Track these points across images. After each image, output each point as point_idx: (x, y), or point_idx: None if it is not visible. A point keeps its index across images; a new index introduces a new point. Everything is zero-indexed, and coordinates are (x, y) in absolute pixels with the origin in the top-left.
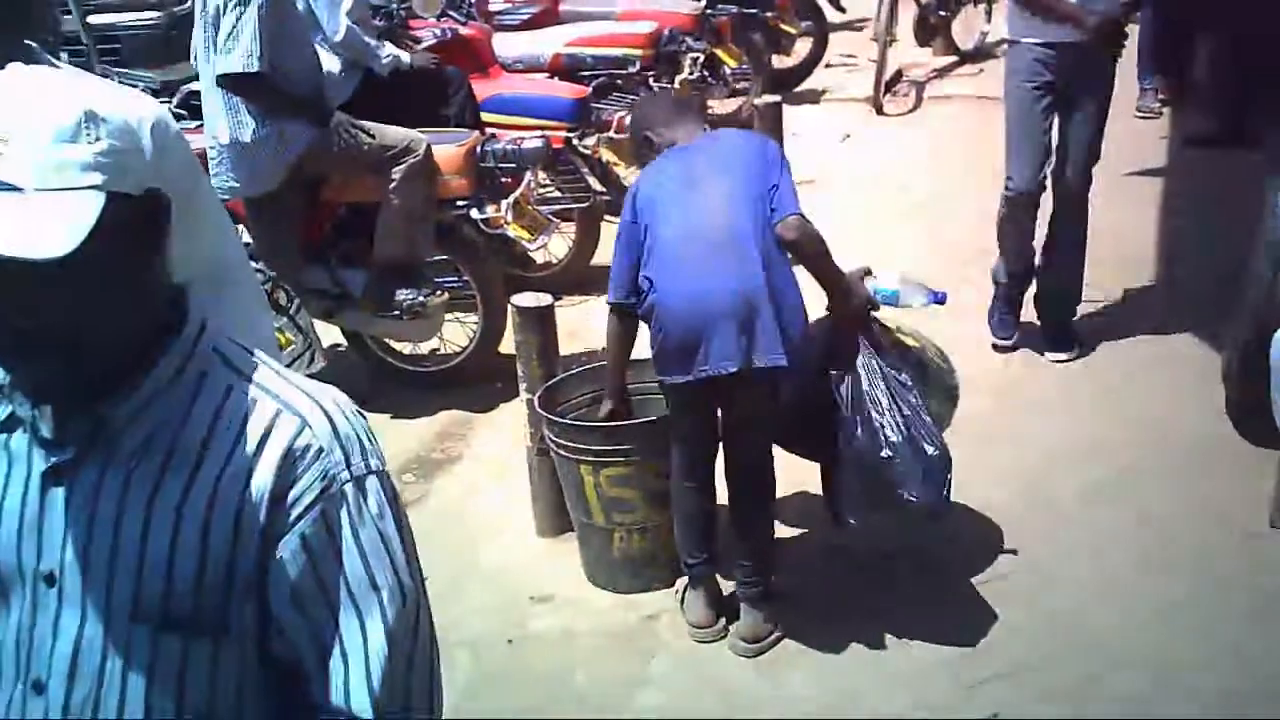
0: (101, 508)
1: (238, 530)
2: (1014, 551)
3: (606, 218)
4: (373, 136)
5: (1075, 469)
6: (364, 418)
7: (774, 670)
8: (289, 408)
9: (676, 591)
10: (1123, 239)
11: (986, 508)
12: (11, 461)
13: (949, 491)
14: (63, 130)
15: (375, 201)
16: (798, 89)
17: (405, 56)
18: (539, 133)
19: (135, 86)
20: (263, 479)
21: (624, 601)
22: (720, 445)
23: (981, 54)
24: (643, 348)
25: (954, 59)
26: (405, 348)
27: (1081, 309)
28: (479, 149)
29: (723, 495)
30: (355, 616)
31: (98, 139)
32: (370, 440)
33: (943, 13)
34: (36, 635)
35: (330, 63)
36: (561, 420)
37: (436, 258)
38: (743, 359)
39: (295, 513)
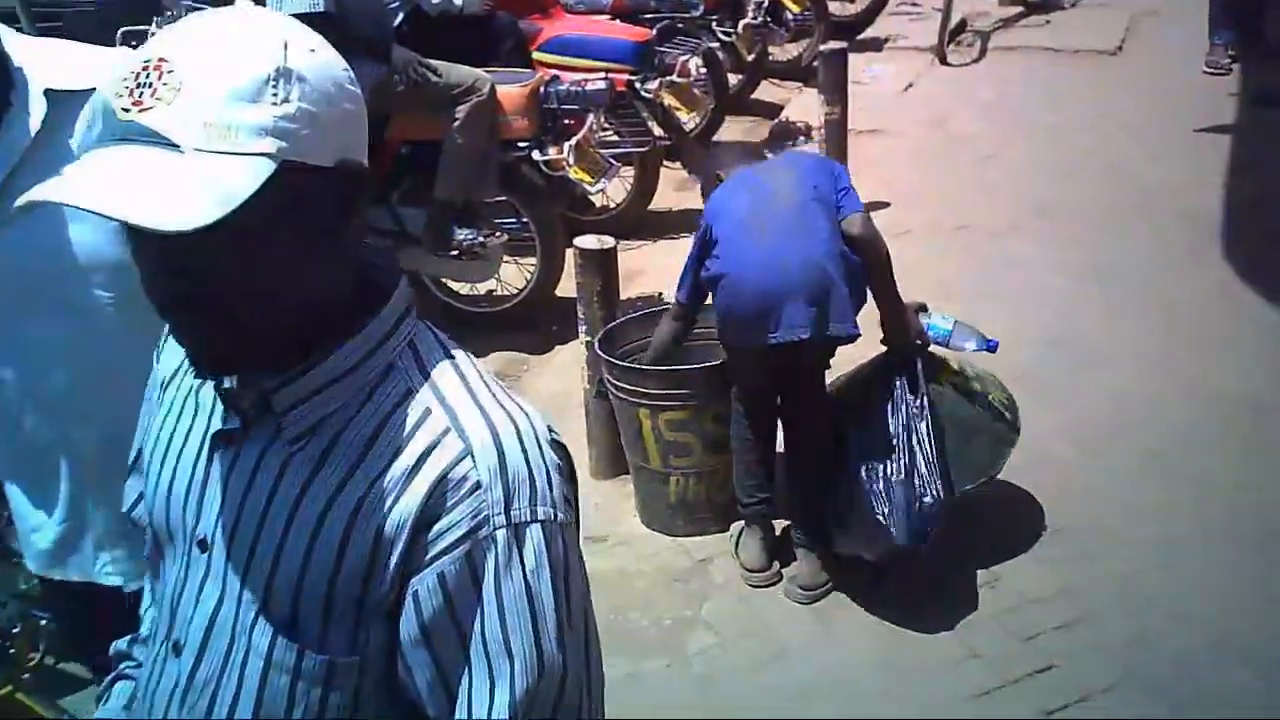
0: (256, 487)
1: (376, 549)
2: (1072, 508)
3: (666, 163)
4: (439, 75)
5: (1135, 429)
6: (560, 455)
7: (826, 616)
8: (459, 429)
9: (731, 536)
10: (1185, 196)
11: (1045, 462)
12: (197, 412)
13: (927, 541)
14: (241, 89)
15: (438, 140)
16: (861, 36)
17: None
18: (602, 75)
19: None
20: (410, 503)
21: (678, 545)
22: (780, 397)
23: (1049, 5)
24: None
25: (1020, 9)
26: (463, 288)
27: (1140, 264)
28: (542, 90)
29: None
30: (486, 676)
31: (284, 100)
32: (550, 485)
33: None
34: (184, 597)
35: None
36: (622, 363)
37: (496, 199)
38: (815, 327)
39: (438, 548)
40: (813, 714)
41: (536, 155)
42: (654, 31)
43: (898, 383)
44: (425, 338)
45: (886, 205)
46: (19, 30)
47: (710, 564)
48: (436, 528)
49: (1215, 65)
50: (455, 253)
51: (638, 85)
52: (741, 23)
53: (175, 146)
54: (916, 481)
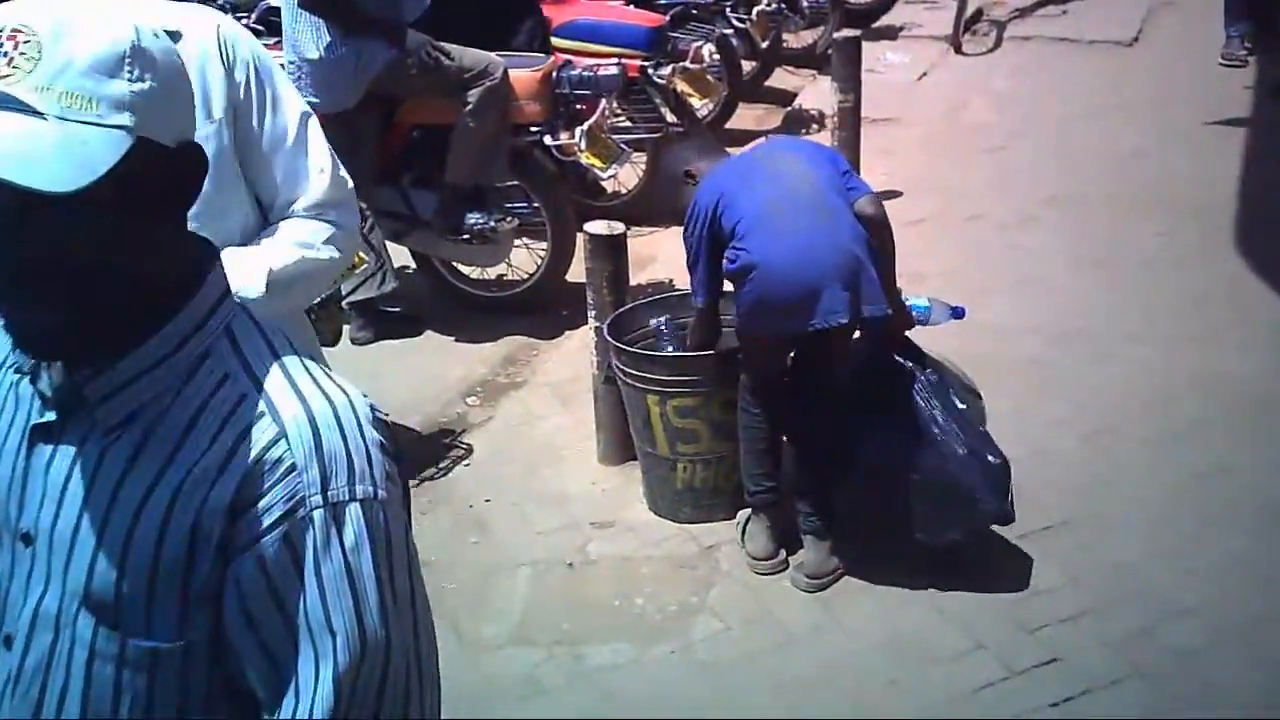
0: (74, 479)
1: (195, 535)
2: (1078, 500)
3: None
4: (452, 58)
5: (1142, 421)
6: (381, 433)
7: (832, 605)
8: (274, 412)
9: (738, 524)
10: (1199, 187)
11: (1047, 455)
12: (17, 407)
13: (1013, 498)
14: (101, 60)
15: (449, 124)
16: (876, 25)
17: None
18: (615, 60)
19: (212, 2)
20: (226, 488)
21: (685, 531)
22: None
23: None
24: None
25: None
26: (473, 272)
27: (1152, 256)
28: (555, 75)
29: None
30: (312, 655)
31: (139, 79)
32: (370, 463)
33: None
34: (13, 591)
35: None
36: (630, 349)
37: (508, 183)
38: (851, 311)
39: (255, 530)
40: (817, 702)
41: (548, 140)
42: (668, 17)
43: (909, 364)
44: (242, 323)
45: (899, 194)
46: None
47: (717, 551)
48: (253, 511)
49: (1231, 57)
50: (466, 237)
51: (650, 71)
52: (756, 9)
53: (39, 114)
54: (977, 448)
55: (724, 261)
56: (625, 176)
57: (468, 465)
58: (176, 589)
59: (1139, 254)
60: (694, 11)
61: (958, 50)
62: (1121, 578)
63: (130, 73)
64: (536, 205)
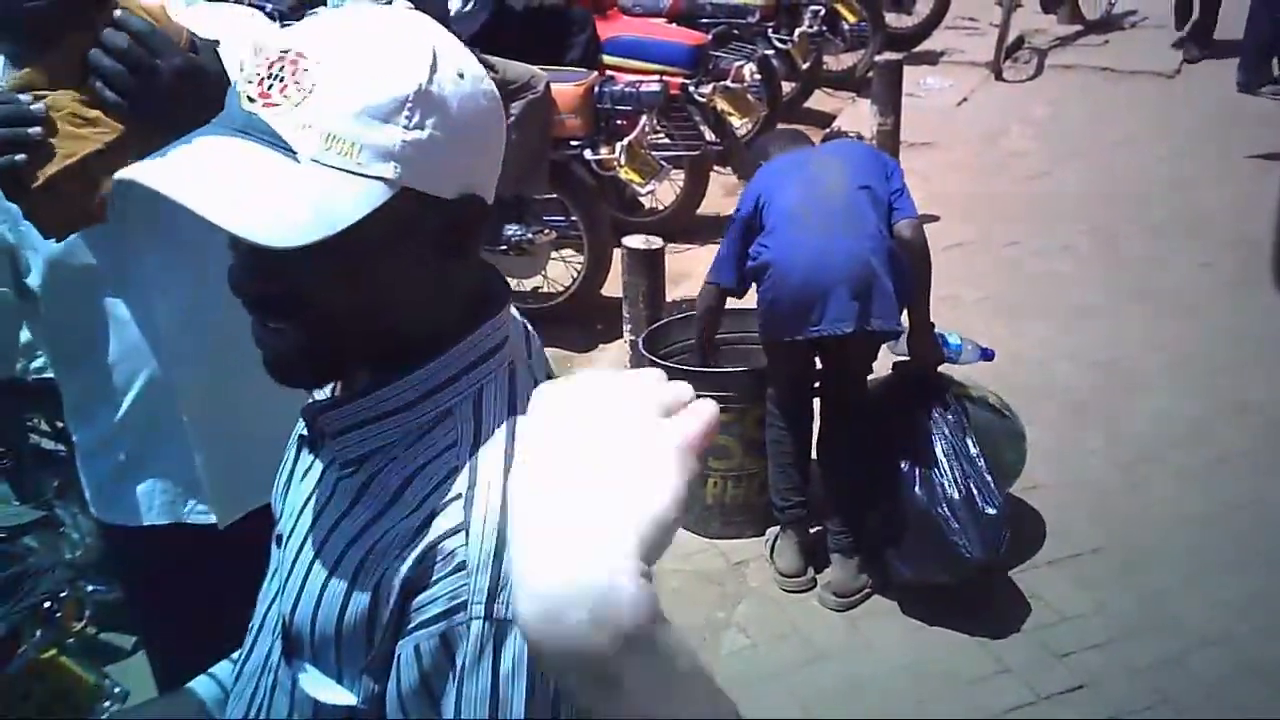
0: (311, 502)
1: (374, 602)
2: (1110, 528)
3: (716, 169)
4: (495, 71)
5: (1176, 451)
6: None
7: (859, 623)
8: (468, 500)
9: (767, 541)
10: (1239, 220)
11: (1081, 483)
12: None
13: (1005, 548)
14: (376, 106)
15: None
16: (916, 49)
17: None
18: (657, 77)
19: (263, 8)
20: (405, 563)
21: (714, 547)
22: (820, 398)
23: (1108, 24)
24: (744, 299)
25: (1079, 28)
26: (509, 283)
27: (1190, 287)
28: (597, 89)
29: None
30: None
31: (418, 126)
32: None
33: None
34: (268, 587)
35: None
36: (665, 363)
37: (546, 196)
38: (857, 322)
39: (419, 619)
40: None
41: (588, 154)
42: (710, 36)
43: (930, 400)
44: (497, 388)
45: (936, 219)
46: None
47: (745, 567)
48: (420, 598)
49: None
50: (504, 248)
51: (691, 89)
52: (798, 31)
53: (292, 153)
54: (976, 495)
55: (748, 256)
56: (663, 193)
57: None
58: (360, 645)
59: (1177, 285)
60: (736, 32)
61: (998, 77)
62: (1151, 606)
63: (409, 119)
64: (574, 219)
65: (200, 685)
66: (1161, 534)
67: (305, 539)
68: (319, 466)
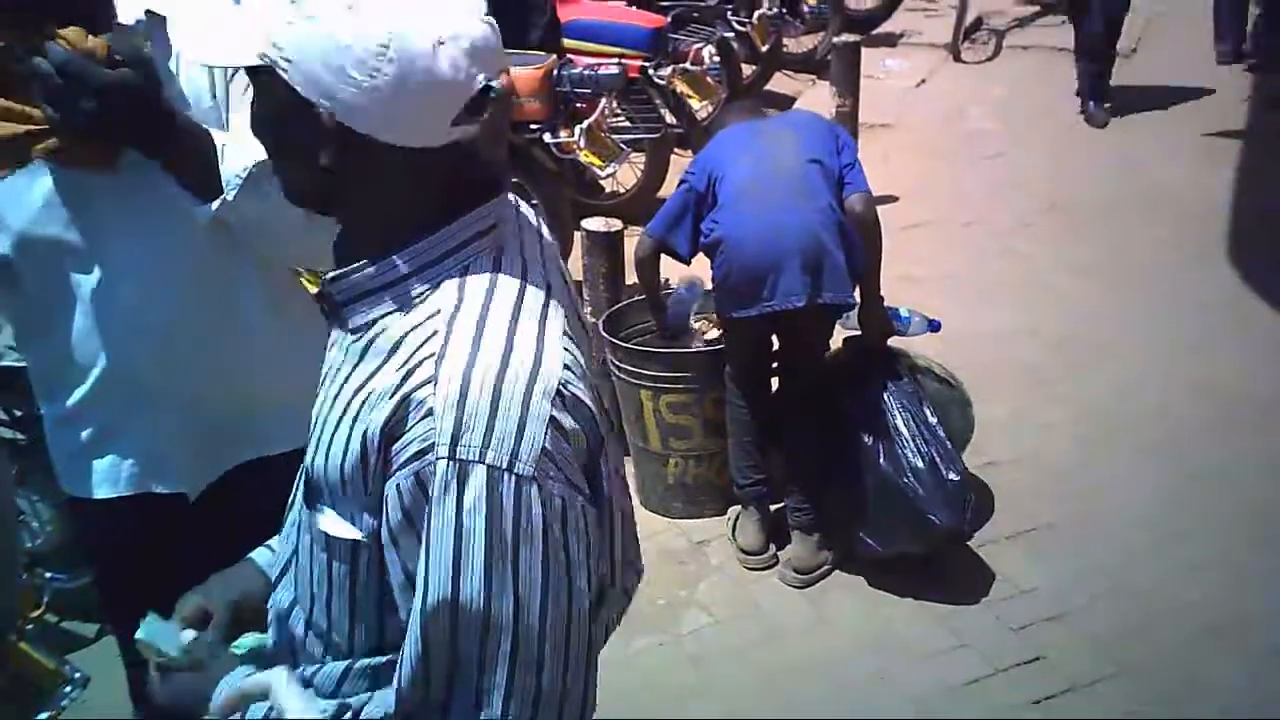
0: (331, 364)
1: (364, 449)
2: (1067, 502)
3: (676, 151)
4: None
5: (1134, 426)
6: (570, 416)
7: (820, 600)
8: (440, 355)
9: (728, 519)
10: (1197, 196)
11: (1039, 460)
12: None
13: (971, 514)
14: (343, 48)
15: None
16: (876, 31)
17: None
18: (615, 60)
19: None
20: (384, 412)
21: (676, 526)
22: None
23: (1064, 3)
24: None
25: (1036, 8)
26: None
27: (1148, 264)
28: (556, 73)
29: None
30: (410, 593)
31: (375, 74)
32: (520, 435)
33: None
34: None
35: None
36: (626, 345)
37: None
38: (809, 295)
39: (397, 462)
40: (803, 694)
41: (548, 138)
42: (669, 19)
43: (883, 373)
44: (480, 265)
45: (895, 199)
46: None
47: (707, 546)
48: (398, 444)
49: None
50: None
51: (651, 71)
52: (757, 13)
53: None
54: (939, 462)
55: (700, 232)
56: (624, 176)
57: None
58: (359, 486)
59: (1136, 261)
60: (695, 14)
61: (957, 58)
62: (1106, 578)
63: (371, 71)
64: (535, 202)
65: (257, 554)
66: (1119, 507)
67: (324, 398)
68: (337, 335)
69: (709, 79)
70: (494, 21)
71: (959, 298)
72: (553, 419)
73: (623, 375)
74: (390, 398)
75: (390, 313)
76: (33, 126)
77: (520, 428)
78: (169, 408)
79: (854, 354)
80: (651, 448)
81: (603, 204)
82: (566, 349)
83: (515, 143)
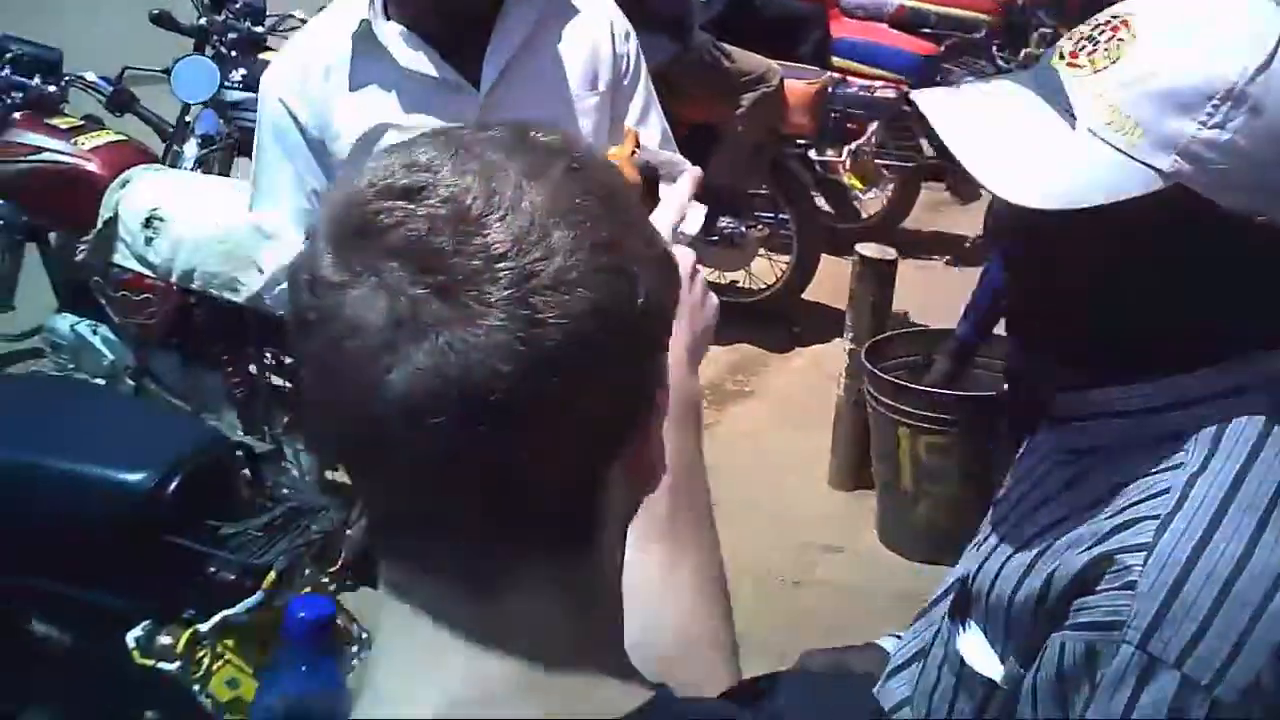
0: (1028, 476)
1: (1045, 587)
2: None
3: (925, 183)
4: (732, 60)
5: None
6: None
7: None
8: (1161, 526)
9: None
10: None
11: None
12: None
13: None
14: (1177, 93)
15: (716, 124)
16: None
17: None
18: (890, 84)
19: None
20: (1080, 564)
21: (917, 569)
22: None
23: None
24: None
25: None
26: (711, 274)
27: None
28: (830, 90)
29: None
30: None
31: (1216, 125)
32: (1231, 654)
33: None
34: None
35: None
36: (889, 378)
37: (761, 191)
38: None
39: (1074, 620)
40: None
41: (813, 154)
42: (942, 47)
43: None
44: (1247, 430)
45: None
46: None
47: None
48: (1082, 600)
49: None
50: (714, 238)
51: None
52: (1024, 51)
53: (1072, 117)
54: None
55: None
56: (867, 202)
57: None
58: (1024, 629)
59: None
60: (971, 44)
61: None
62: None
63: (1210, 116)
64: (785, 217)
65: (886, 640)
66: None
67: (1010, 509)
68: (1041, 442)
69: None
70: None
71: None
72: None
73: (881, 408)
74: (1092, 548)
75: (1113, 444)
76: None
77: (1238, 646)
78: None
79: None
80: (903, 485)
81: (850, 228)
82: None
83: (778, 155)
